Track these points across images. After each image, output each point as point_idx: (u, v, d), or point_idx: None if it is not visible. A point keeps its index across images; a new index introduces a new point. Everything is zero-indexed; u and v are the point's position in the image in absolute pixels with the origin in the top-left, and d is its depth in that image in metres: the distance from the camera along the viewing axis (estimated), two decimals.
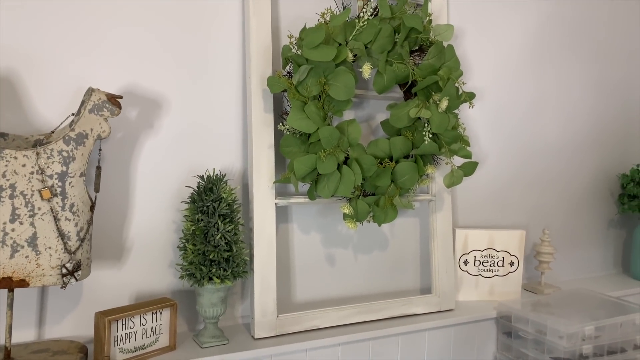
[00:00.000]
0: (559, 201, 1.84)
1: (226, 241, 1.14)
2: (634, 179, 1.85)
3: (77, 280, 1.00)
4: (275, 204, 1.26)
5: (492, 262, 1.58)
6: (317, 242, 1.42)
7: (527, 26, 1.72)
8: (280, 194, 1.34)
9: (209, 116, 1.27)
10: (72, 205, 0.99)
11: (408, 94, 1.39)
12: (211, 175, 1.17)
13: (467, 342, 1.47)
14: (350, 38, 1.23)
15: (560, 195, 1.84)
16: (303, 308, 1.38)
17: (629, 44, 1.95)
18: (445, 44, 1.35)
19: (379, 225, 1.33)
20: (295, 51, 1.22)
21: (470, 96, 1.38)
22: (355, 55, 1.26)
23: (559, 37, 1.79)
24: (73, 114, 1.05)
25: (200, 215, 1.13)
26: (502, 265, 1.58)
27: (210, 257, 1.12)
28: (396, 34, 1.28)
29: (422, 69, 1.31)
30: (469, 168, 1.42)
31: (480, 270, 1.57)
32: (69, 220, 0.98)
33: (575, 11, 1.81)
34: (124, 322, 1.07)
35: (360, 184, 1.30)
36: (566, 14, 1.79)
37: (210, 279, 1.13)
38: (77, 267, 1.00)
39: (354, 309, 1.36)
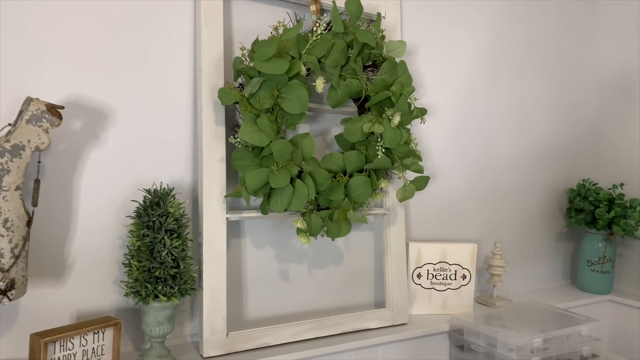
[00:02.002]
0: (510, 215, 1.88)
1: (173, 257, 1.10)
2: (580, 193, 1.91)
3: (10, 300, 0.94)
4: (227, 218, 1.23)
5: (445, 275, 1.59)
6: (271, 257, 1.40)
7: (479, 44, 1.76)
8: (232, 208, 1.31)
9: (158, 128, 1.23)
10: (6, 221, 0.93)
11: (362, 109, 1.40)
12: (158, 189, 1.13)
13: (420, 356, 1.47)
14: (303, 52, 1.23)
15: (512, 210, 1.88)
16: (255, 325, 1.35)
17: (578, 63, 2.03)
18: (398, 60, 1.37)
19: (333, 239, 1.33)
20: (247, 63, 1.20)
21: (422, 112, 1.40)
22: (308, 69, 1.26)
23: (511, 56, 1.84)
24: (10, 124, 1.00)
25: (146, 230, 1.09)
26: (455, 279, 1.60)
27: (156, 274, 1.08)
28: (349, 49, 1.28)
29: (375, 84, 1.32)
30: (421, 182, 1.43)
31: (434, 283, 1.59)
32: (2, 236, 0.93)
33: (526, 31, 1.87)
34: (62, 344, 1.02)
35: (314, 198, 1.29)
36: (517, 33, 1.85)
37: (156, 296, 1.09)
38: (11, 286, 0.94)
39: (307, 325, 1.34)
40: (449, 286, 1.60)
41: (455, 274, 1.60)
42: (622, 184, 1.90)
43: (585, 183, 1.94)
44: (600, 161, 2.08)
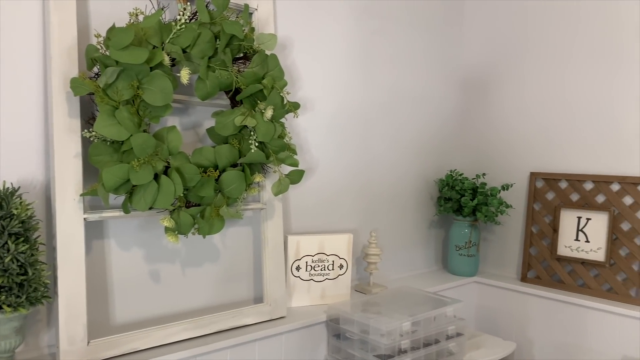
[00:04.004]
0: (385, 205, 1.96)
1: (20, 264, 1.00)
2: (449, 183, 2.04)
3: None
4: (84, 219, 1.14)
5: (323, 266, 1.62)
6: (139, 258, 1.33)
7: (354, 40, 1.81)
8: (93, 207, 1.22)
9: (3, 122, 1.11)
10: None
11: (234, 102, 1.37)
12: (0, 189, 1.02)
13: (299, 348, 1.49)
14: (167, 41, 1.17)
15: (387, 200, 1.96)
16: (125, 330, 1.27)
17: (446, 61, 2.16)
18: (269, 53, 1.36)
19: (204, 237, 1.29)
20: (103, 52, 1.12)
21: (295, 106, 1.40)
22: (174, 60, 1.20)
23: (384, 51, 1.91)
24: None
25: None
26: (333, 269, 1.63)
27: (0, 282, 0.97)
28: (217, 40, 1.25)
29: (246, 76, 1.29)
30: (296, 176, 1.44)
31: (312, 275, 1.61)
32: None
33: (398, 27, 1.95)
34: None
35: (183, 195, 1.24)
36: (390, 30, 1.92)
37: (0, 307, 0.99)
38: None
39: (179, 325, 1.29)
40: (327, 277, 1.63)
41: (333, 264, 1.63)
42: (483, 174, 2.06)
43: (452, 174, 2.08)
44: (465, 153, 2.24)
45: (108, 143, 1.13)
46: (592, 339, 1.75)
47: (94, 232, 1.23)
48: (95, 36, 1.12)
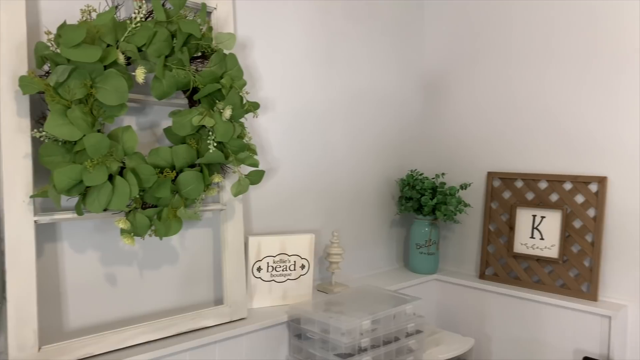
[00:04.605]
0: (347, 205, 1.97)
1: None
2: (409, 183, 2.07)
3: None
4: (35, 221, 1.11)
5: (285, 266, 1.62)
6: (95, 261, 1.30)
7: (315, 40, 1.82)
8: (45, 209, 1.19)
9: None
10: None
11: (192, 101, 1.35)
12: None
13: (260, 349, 1.48)
14: (121, 39, 1.15)
15: (349, 200, 1.98)
16: (80, 335, 1.24)
17: (407, 63, 2.19)
18: (228, 52, 1.35)
19: (161, 239, 1.27)
20: (54, 49, 1.09)
21: (255, 106, 1.40)
22: (129, 58, 1.18)
23: (345, 53, 1.92)
24: None
25: None
26: (294, 269, 1.63)
27: None
28: (174, 39, 1.23)
29: (204, 76, 1.28)
30: (256, 176, 1.43)
31: (274, 275, 1.60)
32: None
33: (359, 29, 1.97)
34: None
35: (139, 196, 1.22)
36: (351, 31, 1.94)
37: None
38: None
39: (136, 329, 1.27)
40: (288, 277, 1.63)
41: (295, 265, 1.63)
42: (443, 174, 2.11)
43: (413, 173, 2.11)
44: (425, 153, 2.28)
45: (60, 143, 1.10)
46: (546, 333, 1.80)
47: (46, 234, 1.20)
48: (46, 33, 1.09)
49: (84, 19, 1.11)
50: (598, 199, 1.76)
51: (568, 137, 1.84)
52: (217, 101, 1.32)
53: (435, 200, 1.97)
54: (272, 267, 1.60)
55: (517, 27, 1.97)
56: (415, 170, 2.14)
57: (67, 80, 1.07)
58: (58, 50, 1.07)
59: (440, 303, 2.13)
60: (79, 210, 1.14)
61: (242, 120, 1.40)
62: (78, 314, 1.27)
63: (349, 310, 1.51)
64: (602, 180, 1.75)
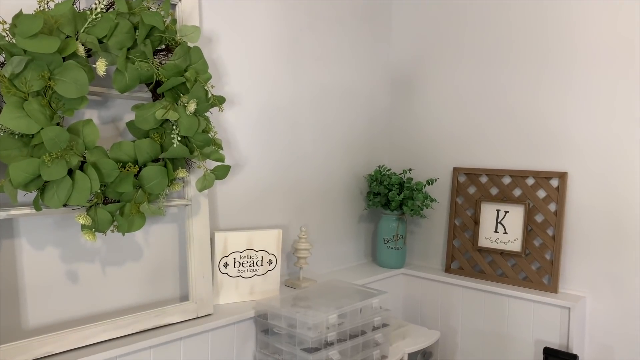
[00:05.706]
0: (316, 200, 1.98)
1: None
2: (377, 178, 2.09)
3: None
4: None
5: (252, 262, 1.61)
6: (55, 258, 1.26)
7: (282, 36, 1.81)
8: (1, 205, 1.15)
9: None
10: None
11: (156, 95, 1.33)
12: None
13: (226, 345, 1.47)
14: (81, 30, 1.12)
15: (317, 195, 1.98)
16: (39, 334, 1.21)
17: (375, 60, 2.20)
18: (192, 45, 1.33)
19: (123, 234, 1.24)
20: (10, 40, 1.05)
21: (220, 100, 1.39)
22: (89, 50, 1.16)
23: (312, 49, 1.92)
24: None
25: None
26: (262, 265, 1.63)
27: None
28: (137, 31, 1.21)
29: (167, 69, 1.26)
30: (222, 171, 1.42)
31: (241, 271, 1.60)
32: None
33: (327, 25, 1.97)
34: None
35: (100, 191, 1.19)
36: (318, 27, 1.94)
37: None
38: None
39: (98, 327, 1.24)
40: (255, 272, 1.62)
41: (262, 260, 1.63)
42: (410, 169, 2.13)
43: (380, 169, 2.13)
44: (393, 149, 2.30)
45: (16, 136, 1.07)
46: (510, 325, 1.85)
47: (2, 231, 1.16)
48: (1, 23, 1.05)
49: (42, 8, 1.08)
50: (559, 194, 1.81)
51: (530, 133, 1.89)
52: (181, 95, 1.30)
53: (402, 196, 1.99)
54: (239, 262, 1.59)
55: (479, 26, 2.00)
56: (383, 165, 2.16)
57: (23, 71, 1.03)
58: (14, 41, 1.04)
59: (406, 297, 2.15)
60: (37, 205, 1.11)
61: (207, 114, 1.38)
62: (37, 312, 1.24)
63: (316, 305, 1.52)
64: (562, 176, 1.80)
